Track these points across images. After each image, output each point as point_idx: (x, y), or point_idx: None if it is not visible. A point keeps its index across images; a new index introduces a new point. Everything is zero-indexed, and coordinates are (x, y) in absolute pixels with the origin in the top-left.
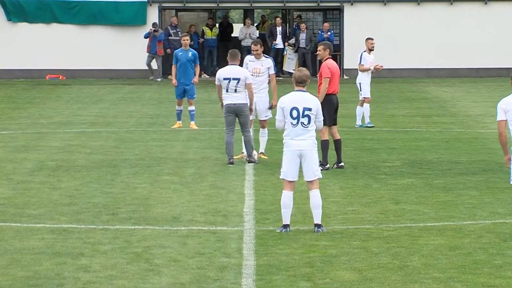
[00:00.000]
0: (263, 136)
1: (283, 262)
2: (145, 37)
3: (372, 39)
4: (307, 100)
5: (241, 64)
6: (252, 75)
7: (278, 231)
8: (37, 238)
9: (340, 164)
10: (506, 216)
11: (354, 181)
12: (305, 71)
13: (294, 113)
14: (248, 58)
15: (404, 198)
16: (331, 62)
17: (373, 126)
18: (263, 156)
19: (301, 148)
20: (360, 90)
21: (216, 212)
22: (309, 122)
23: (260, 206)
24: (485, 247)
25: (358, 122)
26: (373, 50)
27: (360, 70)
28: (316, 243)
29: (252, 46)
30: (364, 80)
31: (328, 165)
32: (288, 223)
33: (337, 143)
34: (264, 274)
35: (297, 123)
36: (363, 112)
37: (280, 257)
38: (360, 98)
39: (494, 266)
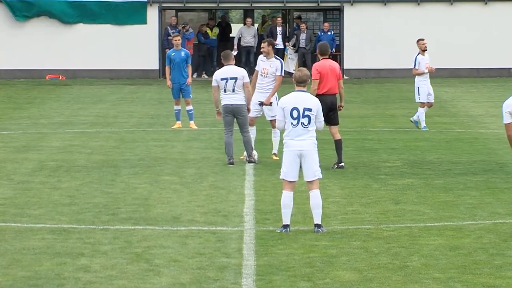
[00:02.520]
0: (275, 136)
1: (283, 262)
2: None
3: (423, 39)
4: (308, 100)
5: (239, 64)
6: (260, 75)
7: (278, 231)
8: (38, 238)
9: (340, 164)
10: (506, 216)
11: (354, 181)
12: (305, 71)
13: (295, 113)
14: (260, 58)
15: (404, 198)
16: (321, 63)
17: (427, 130)
18: (275, 157)
19: (301, 148)
20: (418, 94)
21: (216, 212)
22: (309, 123)
23: (260, 206)
24: (485, 247)
25: (422, 124)
26: (426, 50)
27: (414, 74)
28: (316, 243)
29: (262, 43)
30: (421, 84)
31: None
32: (288, 223)
33: (338, 143)
34: (264, 274)
35: (297, 123)
36: (420, 115)
37: (280, 257)
38: (416, 101)
39: (494, 266)
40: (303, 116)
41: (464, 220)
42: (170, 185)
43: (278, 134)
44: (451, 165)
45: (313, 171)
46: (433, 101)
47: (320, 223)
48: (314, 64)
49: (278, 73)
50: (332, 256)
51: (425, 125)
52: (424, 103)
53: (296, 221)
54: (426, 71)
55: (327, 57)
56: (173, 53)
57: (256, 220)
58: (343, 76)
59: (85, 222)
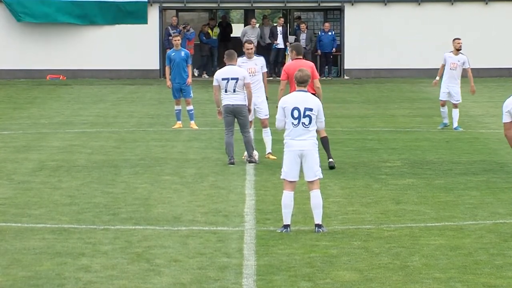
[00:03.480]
0: (267, 136)
1: (283, 262)
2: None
3: (459, 38)
4: (308, 100)
5: None
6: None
7: (279, 231)
8: (38, 238)
9: (329, 160)
10: (507, 216)
11: (354, 181)
12: (306, 71)
13: (295, 113)
14: (240, 60)
15: (405, 198)
16: (291, 64)
17: (446, 126)
18: (271, 157)
19: (302, 148)
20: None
21: (216, 212)
22: (310, 123)
23: (261, 206)
24: (486, 247)
25: (454, 124)
26: (460, 49)
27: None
28: (316, 243)
29: (246, 44)
30: (443, 82)
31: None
32: (289, 223)
33: (323, 140)
34: (264, 274)
35: (298, 123)
36: (442, 112)
37: (280, 257)
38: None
39: (494, 266)
40: (304, 116)
41: (464, 220)
42: (170, 185)
43: (269, 133)
44: (451, 165)
45: (314, 171)
46: (455, 101)
47: (320, 223)
48: (284, 65)
49: (265, 69)
50: (333, 256)
51: (445, 121)
52: (443, 101)
53: (296, 221)
54: (437, 79)
55: (301, 57)
56: (173, 53)
57: (257, 220)
58: (342, 76)
59: (86, 222)
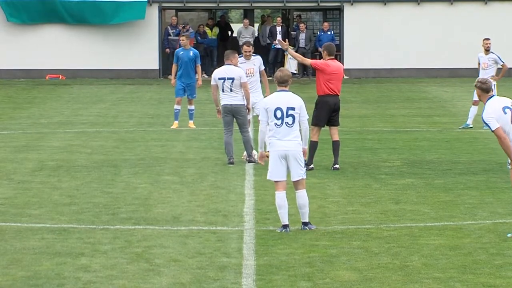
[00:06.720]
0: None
1: (283, 262)
2: (175, 35)
3: (487, 39)
4: (291, 99)
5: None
6: (246, 76)
7: (278, 231)
8: (38, 238)
9: (335, 166)
10: (507, 216)
11: (354, 181)
12: (286, 71)
13: (278, 113)
14: (239, 61)
15: (404, 198)
16: (329, 63)
17: (471, 127)
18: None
19: (285, 149)
20: None
21: (216, 212)
22: (293, 122)
23: (260, 206)
24: (486, 247)
25: (468, 122)
26: (488, 50)
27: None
28: (316, 243)
29: (245, 47)
30: None
31: (312, 166)
32: (287, 223)
33: (335, 144)
34: (264, 274)
35: (282, 123)
36: (470, 111)
37: (280, 257)
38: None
39: (494, 266)
40: (287, 116)
41: (464, 220)
42: (170, 185)
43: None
44: (451, 165)
45: (298, 172)
46: None
47: (307, 221)
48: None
49: (263, 67)
50: (332, 255)
51: (468, 122)
52: (475, 100)
53: (296, 221)
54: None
55: (333, 57)
56: (182, 52)
57: (256, 220)
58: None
59: (85, 222)
